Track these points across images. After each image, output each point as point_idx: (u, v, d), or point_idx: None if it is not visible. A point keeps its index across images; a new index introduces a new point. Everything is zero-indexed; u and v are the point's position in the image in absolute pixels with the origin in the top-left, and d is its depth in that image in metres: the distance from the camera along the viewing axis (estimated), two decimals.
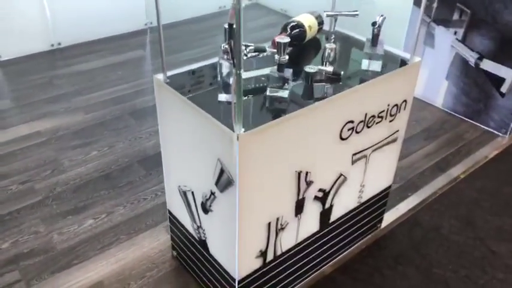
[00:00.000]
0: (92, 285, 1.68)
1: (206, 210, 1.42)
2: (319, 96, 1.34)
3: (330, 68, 1.42)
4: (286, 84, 1.30)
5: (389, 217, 2.01)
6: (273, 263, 1.50)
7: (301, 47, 1.61)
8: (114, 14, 3.63)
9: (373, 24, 1.44)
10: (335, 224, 1.66)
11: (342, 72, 1.43)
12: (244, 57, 1.40)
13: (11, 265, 1.74)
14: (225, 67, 1.28)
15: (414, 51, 1.52)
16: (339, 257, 1.80)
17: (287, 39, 1.26)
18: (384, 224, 1.96)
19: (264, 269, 1.48)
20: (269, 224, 1.38)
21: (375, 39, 1.47)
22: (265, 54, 1.43)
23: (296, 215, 1.46)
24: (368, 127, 1.50)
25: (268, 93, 1.31)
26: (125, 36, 3.68)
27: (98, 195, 2.09)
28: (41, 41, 3.42)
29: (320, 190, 1.49)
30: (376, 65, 1.46)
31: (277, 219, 1.40)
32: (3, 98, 2.84)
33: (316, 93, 1.36)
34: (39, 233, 1.88)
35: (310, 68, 1.36)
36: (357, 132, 1.47)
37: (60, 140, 2.46)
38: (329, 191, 1.53)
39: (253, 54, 1.40)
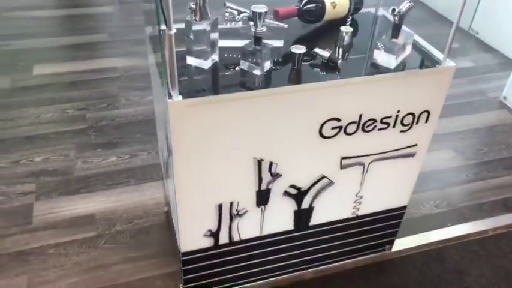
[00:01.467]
0: (84, 215, 1.78)
1: (167, 174, 1.38)
2: (298, 81, 1.17)
3: (325, 53, 1.22)
4: (264, 60, 1.16)
5: (409, 242, 1.74)
6: (229, 248, 1.41)
7: (324, 26, 1.41)
8: None
9: (393, 11, 1.18)
10: (317, 229, 1.48)
11: (340, 61, 1.22)
12: (234, 24, 1.29)
13: (33, 177, 1.93)
14: (193, 27, 1.16)
15: (448, 52, 1.23)
16: (326, 266, 1.62)
17: (264, 9, 1.11)
18: (397, 247, 1.70)
19: (217, 251, 1.40)
20: (220, 205, 1.29)
21: (395, 30, 1.22)
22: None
23: (258, 205, 1.34)
24: (365, 131, 1.27)
25: (240, 66, 1.19)
26: None
27: (132, 136, 2.18)
28: None
29: (292, 186, 1.33)
30: (389, 60, 1.22)
31: (231, 203, 1.30)
32: (103, 32, 3.09)
33: (296, 77, 1.19)
34: (68, 156, 2.05)
35: (297, 49, 1.19)
36: (347, 134, 1.26)
37: (128, 79, 2.61)
38: (306, 191, 1.36)
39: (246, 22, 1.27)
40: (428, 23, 3.34)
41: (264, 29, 1.14)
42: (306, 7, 1.32)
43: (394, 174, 1.43)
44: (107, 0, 3.55)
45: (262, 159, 1.23)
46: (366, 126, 1.26)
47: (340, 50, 1.30)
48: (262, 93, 1.12)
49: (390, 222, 1.59)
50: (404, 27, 1.24)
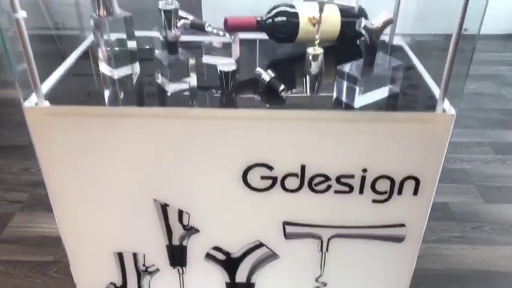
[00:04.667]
0: (54, 236, 1.62)
1: None
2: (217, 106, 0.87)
3: (265, 76, 0.90)
4: (176, 74, 0.89)
5: None
6: None
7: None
8: None
9: (360, 25, 0.82)
10: None
11: (282, 88, 0.89)
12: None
13: (31, 187, 1.83)
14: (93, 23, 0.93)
15: (445, 94, 0.81)
16: None
17: (172, 6, 0.84)
18: None
19: None
20: (120, 254, 1.01)
21: (367, 54, 0.85)
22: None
23: (173, 265, 1.03)
24: (314, 191, 0.90)
25: (157, 79, 0.93)
26: None
27: None
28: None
29: (218, 249, 1.00)
30: (351, 95, 0.85)
31: (135, 254, 1.01)
32: None
33: (223, 101, 0.89)
34: None
35: (224, 65, 0.89)
36: (287, 190, 0.90)
37: None
38: (239, 259, 1.01)
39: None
40: None
41: (178, 33, 0.87)
42: (269, 21, 1.01)
43: (373, 261, 1.01)
44: None
45: (167, 204, 0.94)
46: (315, 185, 0.89)
47: (307, 77, 0.97)
48: (157, 112, 0.84)
49: None
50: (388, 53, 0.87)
